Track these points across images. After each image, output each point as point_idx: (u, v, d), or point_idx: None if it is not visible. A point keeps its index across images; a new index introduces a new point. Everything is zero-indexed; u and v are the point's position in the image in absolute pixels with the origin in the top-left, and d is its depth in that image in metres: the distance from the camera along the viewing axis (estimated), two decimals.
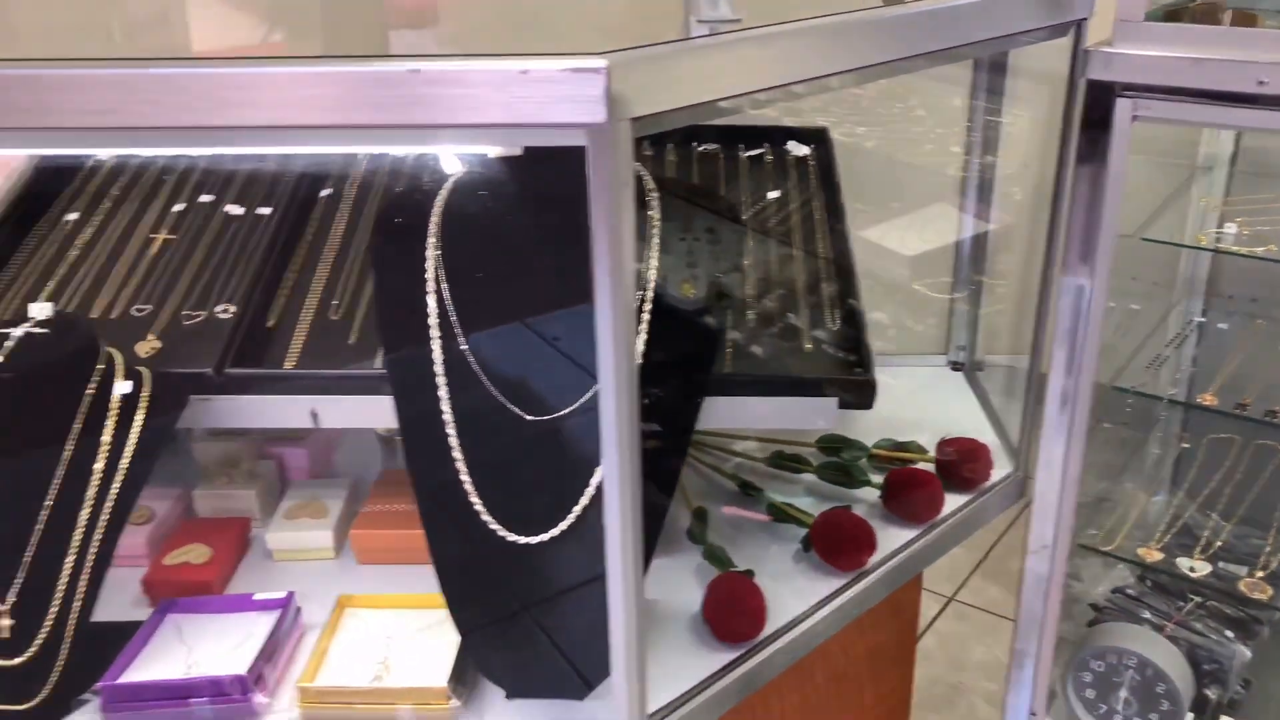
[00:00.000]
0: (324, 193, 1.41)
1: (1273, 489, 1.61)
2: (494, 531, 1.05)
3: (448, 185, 1.11)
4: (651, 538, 1.01)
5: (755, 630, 1.16)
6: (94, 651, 1.08)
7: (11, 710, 1.05)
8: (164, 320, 1.23)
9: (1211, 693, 1.49)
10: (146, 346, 1.19)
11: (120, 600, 1.21)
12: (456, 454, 1.05)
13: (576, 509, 1.04)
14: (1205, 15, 1.25)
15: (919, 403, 1.62)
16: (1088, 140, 1.22)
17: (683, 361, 1.06)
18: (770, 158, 1.50)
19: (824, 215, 1.41)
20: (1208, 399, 1.59)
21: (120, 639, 1.11)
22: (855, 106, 1.92)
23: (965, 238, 1.74)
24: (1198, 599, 1.55)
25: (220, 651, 1.12)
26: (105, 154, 1.45)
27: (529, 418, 1.05)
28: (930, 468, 1.41)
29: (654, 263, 1.07)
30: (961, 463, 1.41)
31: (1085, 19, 1.22)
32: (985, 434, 1.52)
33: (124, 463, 1.07)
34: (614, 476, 0.91)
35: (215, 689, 1.05)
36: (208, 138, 0.90)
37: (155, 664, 1.10)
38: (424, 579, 1.25)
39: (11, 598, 1.05)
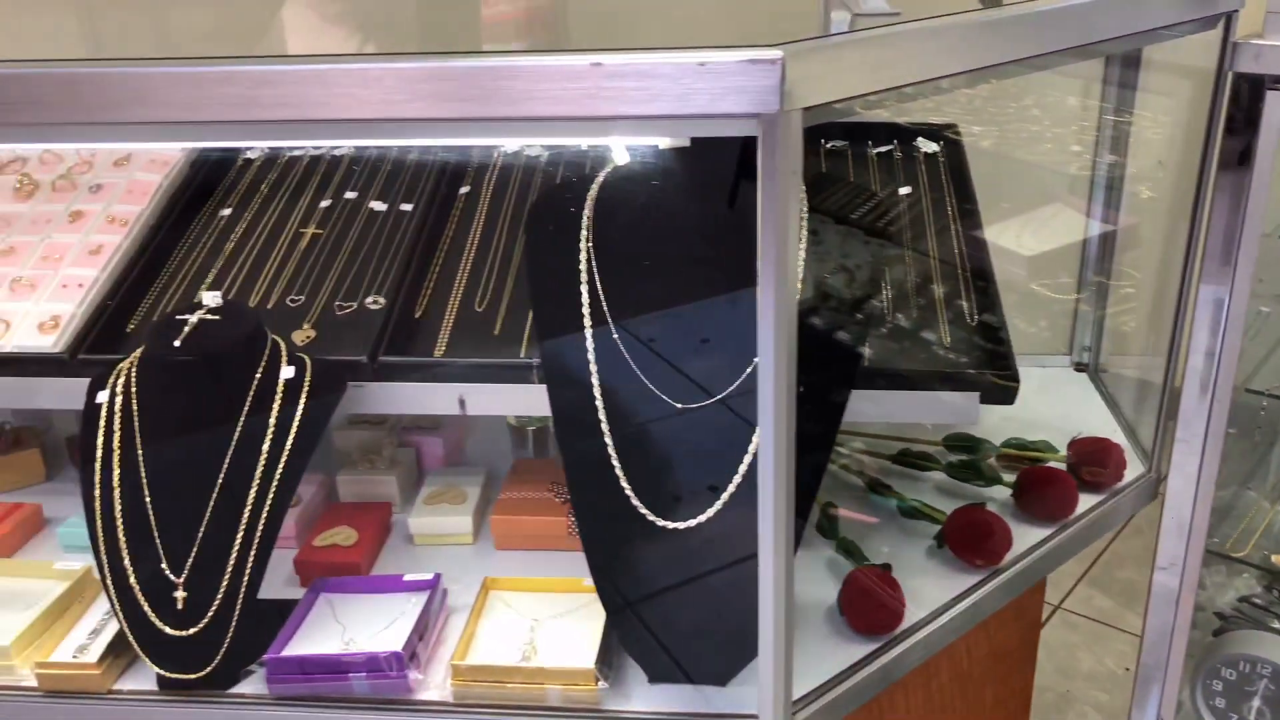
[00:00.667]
0: (463, 190, 1.45)
1: None
2: (643, 516, 1.07)
3: (599, 179, 1.14)
4: (798, 528, 1.02)
5: (894, 623, 1.17)
6: (258, 626, 1.13)
7: (184, 678, 1.10)
8: (317, 310, 1.28)
9: None
10: (302, 335, 1.24)
11: (271, 579, 1.26)
12: (608, 440, 1.08)
13: (725, 495, 1.06)
14: None
15: (1043, 403, 1.60)
16: (1233, 136, 1.20)
17: (831, 355, 1.08)
18: (899, 154, 1.50)
19: (956, 211, 1.40)
20: None
21: (278, 615, 1.16)
22: (968, 106, 1.91)
23: (1088, 238, 1.71)
24: None
25: (374, 629, 1.16)
26: (261, 149, 1.52)
27: (679, 405, 1.07)
28: (1061, 467, 1.40)
29: (801, 256, 1.08)
30: (1094, 462, 1.39)
31: (1236, 11, 1.20)
32: (1113, 435, 1.50)
33: (289, 443, 1.12)
34: (769, 462, 0.92)
35: (373, 665, 1.09)
36: (399, 130, 0.94)
37: (313, 639, 1.14)
38: (559, 564, 1.29)
39: (185, 571, 1.10)
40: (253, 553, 1.10)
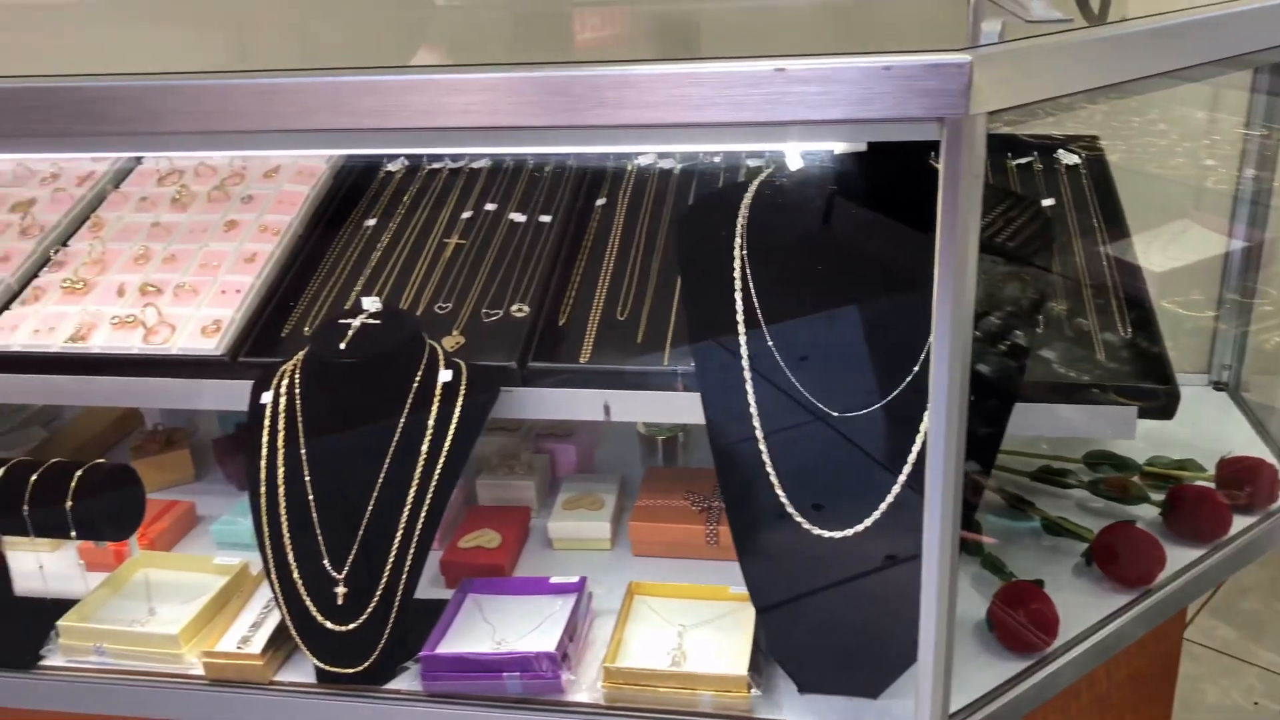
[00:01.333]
0: (599, 202, 1.47)
1: None
2: (799, 525, 1.07)
3: (752, 186, 1.15)
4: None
5: (1048, 640, 1.14)
6: (413, 623, 1.15)
7: (343, 672, 1.13)
8: (464, 317, 1.31)
9: None
10: (451, 341, 1.27)
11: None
12: (762, 447, 1.08)
13: (883, 505, 1.05)
14: None
15: (1183, 422, 1.55)
16: None
17: (994, 365, 1.06)
18: (1039, 166, 1.48)
19: (1102, 222, 1.38)
20: None
21: (429, 614, 1.18)
22: (1088, 120, 1.88)
23: (1229, 254, 1.67)
24: None
25: (523, 630, 1.17)
26: (401, 161, 1.56)
27: (835, 414, 1.07)
28: (1210, 487, 1.36)
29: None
30: (1247, 482, 1.35)
31: None
32: (1261, 455, 1.45)
33: (447, 444, 1.14)
34: (938, 470, 0.92)
35: (527, 665, 1.10)
36: (582, 136, 0.96)
37: (463, 639, 1.16)
38: (695, 572, 1.29)
39: (346, 568, 1.13)
40: (411, 551, 1.13)
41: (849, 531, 1.06)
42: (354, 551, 1.13)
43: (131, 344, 1.30)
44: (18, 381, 1.31)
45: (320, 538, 1.14)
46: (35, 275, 1.42)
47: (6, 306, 1.37)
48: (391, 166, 1.58)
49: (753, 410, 1.09)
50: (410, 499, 1.14)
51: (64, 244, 1.46)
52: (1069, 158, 1.49)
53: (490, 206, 1.49)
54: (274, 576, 1.14)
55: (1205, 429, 1.54)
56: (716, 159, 1.52)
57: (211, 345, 1.28)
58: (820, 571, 1.08)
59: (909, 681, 1.08)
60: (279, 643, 1.17)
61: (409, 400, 1.16)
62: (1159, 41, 0.95)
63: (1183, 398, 1.65)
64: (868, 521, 1.05)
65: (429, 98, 0.88)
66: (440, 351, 1.21)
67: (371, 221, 1.49)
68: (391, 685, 1.14)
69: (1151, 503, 1.34)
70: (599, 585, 1.27)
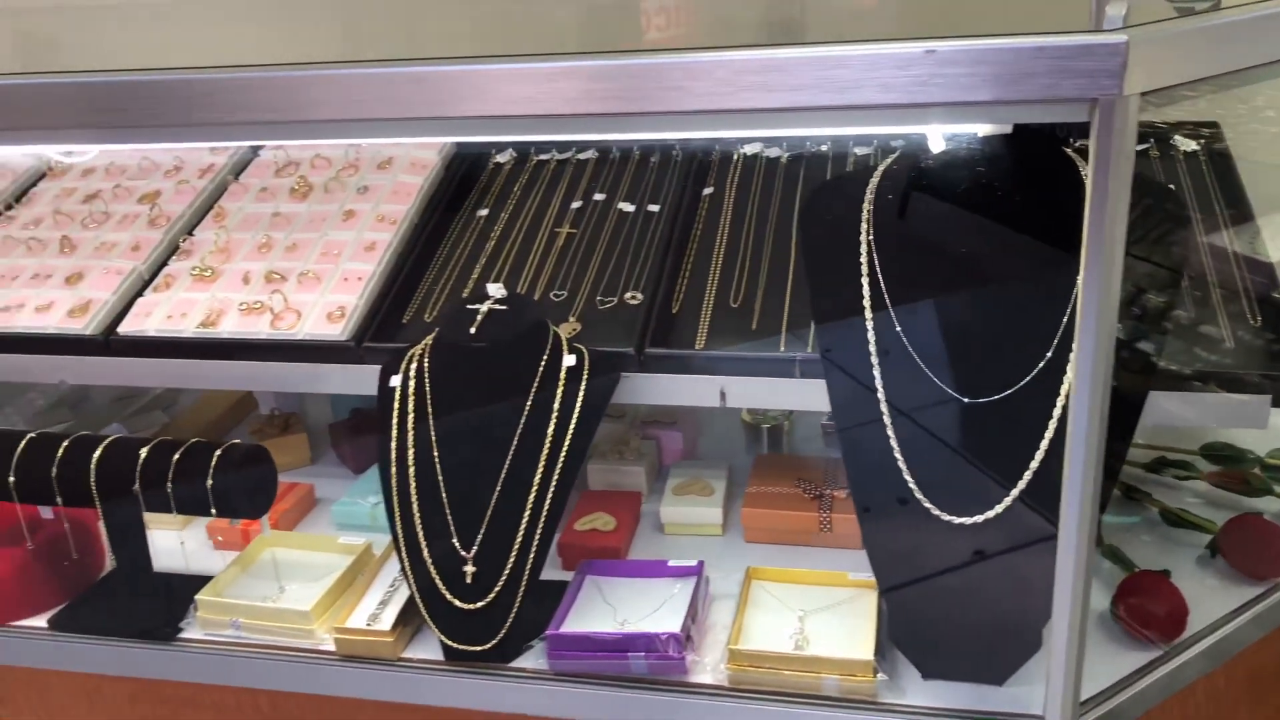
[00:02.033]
0: (706, 190, 1.48)
1: None
2: (928, 510, 1.07)
3: (878, 171, 1.15)
4: None
5: (1177, 631, 1.13)
6: (538, 603, 1.17)
7: (471, 650, 1.15)
8: (580, 304, 1.33)
9: None
10: (569, 327, 1.29)
11: None
12: (890, 434, 1.08)
13: (1014, 492, 1.04)
14: None
15: None
16: None
17: (1131, 352, 1.05)
18: (1155, 153, 1.46)
19: (1224, 209, 1.36)
20: None
21: (550, 594, 1.20)
22: (1190, 108, 1.84)
23: None
24: None
25: (644, 611, 1.19)
26: (510, 153, 1.59)
27: (965, 400, 1.07)
28: None
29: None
30: None
31: None
32: None
33: (571, 427, 1.16)
34: (1079, 458, 0.91)
35: (652, 645, 1.11)
36: (724, 121, 0.97)
37: (586, 619, 1.18)
38: (806, 558, 1.30)
39: (475, 547, 1.16)
40: (539, 531, 1.15)
41: (979, 518, 1.06)
42: (482, 531, 1.16)
43: (259, 330, 1.34)
44: (153, 366, 1.36)
45: (450, 517, 1.16)
46: (164, 264, 1.47)
47: (140, 294, 1.42)
48: (500, 158, 1.61)
49: (880, 396, 1.09)
50: (537, 480, 1.16)
51: (190, 233, 1.51)
52: (1186, 144, 1.46)
53: (599, 196, 1.51)
54: (404, 554, 1.17)
55: None
56: (824, 147, 1.52)
57: (337, 331, 1.32)
58: (947, 557, 1.07)
59: (1032, 668, 1.08)
60: (406, 620, 1.20)
61: (535, 384, 1.18)
62: None
63: None
64: (999, 508, 1.05)
65: (577, 84, 0.90)
66: (564, 336, 1.22)
67: (484, 211, 1.51)
68: (517, 663, 1.16)
69: (1276, 495, 1.32)
70: (712, 570, 1.28)
